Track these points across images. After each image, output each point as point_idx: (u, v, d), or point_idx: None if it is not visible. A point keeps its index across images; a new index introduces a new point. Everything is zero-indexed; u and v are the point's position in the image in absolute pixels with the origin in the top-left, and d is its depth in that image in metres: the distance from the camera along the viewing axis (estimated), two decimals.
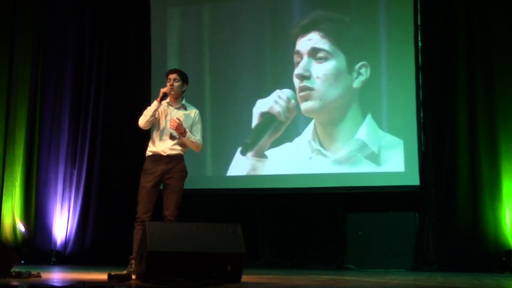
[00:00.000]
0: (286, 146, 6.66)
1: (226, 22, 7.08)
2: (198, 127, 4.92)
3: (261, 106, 6.78)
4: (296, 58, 6.70)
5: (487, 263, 5.84)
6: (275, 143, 6.70)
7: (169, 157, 4.79)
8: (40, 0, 7.70)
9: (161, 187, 4.88)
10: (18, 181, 7.36)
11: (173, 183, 4.77)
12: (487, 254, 5.87)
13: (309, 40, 6.66)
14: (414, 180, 6.24)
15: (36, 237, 7.24)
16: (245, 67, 6.90)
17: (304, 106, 6.61)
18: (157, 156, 4.80)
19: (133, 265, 4.60)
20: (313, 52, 6.62)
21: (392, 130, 6.34)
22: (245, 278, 4.24)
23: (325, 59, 6.57)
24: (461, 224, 6.03)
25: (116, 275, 4.14)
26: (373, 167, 6.31)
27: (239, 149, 6.79)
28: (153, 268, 3.91)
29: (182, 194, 4.81)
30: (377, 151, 6.33)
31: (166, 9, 7.36)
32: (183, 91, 4.92)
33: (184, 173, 4.85)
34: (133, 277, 4.26)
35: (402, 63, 6.37)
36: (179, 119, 4.72)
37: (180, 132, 4.72)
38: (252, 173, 6.76)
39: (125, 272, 4.36)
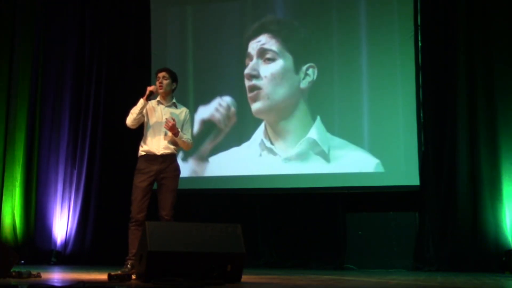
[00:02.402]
0: (235, 149, 6.84)
1: (226, 22, 7.10)
2: (188, 126, 4.93)
3: (202, 113, 6.95)
4: (247, 61, 6.85)
5: (487, 263, 5.84)
6: (224, 147, 6.86)
7: (163, 156, 4.78)
8: (40, 0, 7.70)
9: (155, 187, 4.88)
10: (18, 181, 7.37)
11: (168, 183, 4.75)
12: (487, 254, 5.87)
13: (258, 41, 6.83)
14: (414, 180, 6.25)
15: (36, 237, 7.25)
16: (232, 66, 7.01)
17: (254, 107, 6.78)
18: (151, 156, 4.78)
19: (128, 266, 4.59)
20: (262, 53, 6.79)
21: (342, 132, 6.47)
22: (245, 278, 4.24)
23: (272, 59, 6.73)
24: (461, 224, 6.03)
25: (116, 275, 4.15)
26: (325, 164, 6.45)
27: (180, 155, 6.83)
28: (153, 268, 3.91)
29: (177, 193, 4.80)
30: (327, 151, 6.46)
31: (166, 9, 7.37)
32: (173, 90, 4.92)
33: (178, 172, 4.85)
34: (133, 277, 4.26)
35: (402, 63, 6.37)
36: (174, 119, 4.72)
37: (173, 133, 4.72)
38: (193, 175, 6.88)
39: (119, 272, 4.35)
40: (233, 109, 6.87)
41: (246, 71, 6.82)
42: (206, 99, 7.02)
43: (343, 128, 6.52)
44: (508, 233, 5.85)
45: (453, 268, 5.93)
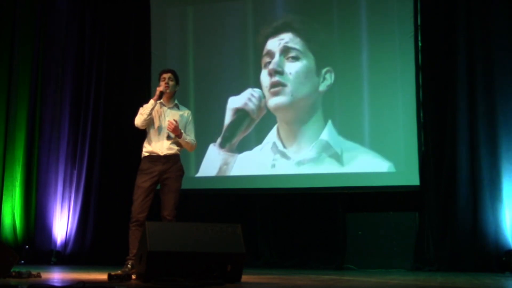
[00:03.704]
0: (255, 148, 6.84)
1: (227, 22, 7.11)
2: (191, 127, 4.95)
3: (235, 103, 6.93)
4: (265, 58, 6.83)
5: (487, 263, 5.84)
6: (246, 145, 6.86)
7: (166, 157, 4.79)
8: (40, 0, 7.70)
9: (158, 187, 4.88)
10: (18, 181, 7.37)
11: (171, 183, 4.77)
12: (487, 254, 5.87)
13: (281, 39, 6.81)
14: (414, 180, 6.24)
15: (36, 237, 7.24)
16: (232, 65, 7.03)
17: (274, 101, 6.76)
18: (154, 157, 4.80)
19: (128, 266, 4.59)
20: (285, 51, 6.77)
21: (351, 135, 6.46)
22: (245, 278, 4.24)
23: (296, 58, 6.73)
24: (461, 224, 6.03)
25: (116, 275, 4.15)
26: (323, 166, 6.46)
27: (217, 143, 6.90)
28: (153, 268, 3.91)
29: (179, 193, 4.81)
30: (340, 152, 6.46)
31: (166, 9, 7.38)
32: (175, 91, 4.94)
33: (181, 173, 4.86)
34: (133, 277, 4.26)
35: (402, 63, 6.37)
36: (176, 121, 4.73)
37: (176, 134, 4.73)
38: (225, 167, 6.87)
39: (119, 272, 4.36)
40: (263, 100, 6.82)
41: (271, 66, 6.77)
42: (208, 99, 7.03)
43: (343, 128, 6.51)
44: (508, 233, 5.85)
45: (453, 268, 5.93)
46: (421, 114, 6.35)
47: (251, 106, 6.87)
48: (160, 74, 4.93)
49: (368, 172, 6.37)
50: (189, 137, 4.88)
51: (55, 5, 7.73)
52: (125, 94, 7.27)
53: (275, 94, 6.74)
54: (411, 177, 6.25)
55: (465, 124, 6.13)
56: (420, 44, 6.42)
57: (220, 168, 6.89)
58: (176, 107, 4.93)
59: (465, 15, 6.25)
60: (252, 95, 6.88)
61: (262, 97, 6.83)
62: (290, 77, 6.71)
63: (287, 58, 6.75)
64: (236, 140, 6.88)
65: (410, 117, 6.30)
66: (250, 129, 6.86)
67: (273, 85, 6.76)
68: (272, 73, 6.77)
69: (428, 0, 6.46)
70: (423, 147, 6.33)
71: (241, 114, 6.90)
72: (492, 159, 5.99)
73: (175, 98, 4.95)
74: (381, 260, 6.33)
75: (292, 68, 6.73)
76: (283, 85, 6.72)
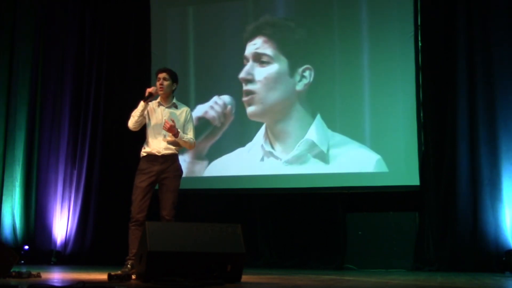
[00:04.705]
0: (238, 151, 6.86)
1: (228, 21, 7.11)
2: (190, 126, 4.92)
3: (198, 111, 6.97)
4: (244, 62, 6.88)
5: (487, 263, 5.84)
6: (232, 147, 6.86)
7: (164, 157, 4.79)
8: (40, 0, 7.71)
9: (156, 187, 4.88)
10: (18, 181, 7.38)
11: (169, 183, 4.76)
12: (487, 254, 5.87)
13: (254, 44, 6.86)
14: (414, 180, 6.24)
15: (36, 237, 7.25)
16: (232, 65, 7.01)
17: (248, 110, 6.81)
18: (152, 156, 4.79)
19: (128, 266, 4.59)
20: (256, 57, 6.81)
21: (342, 132, 6.48)
22: (245, 278, 4.24)
23: (267, 63, 6.74)
24: (461, 224, 6.03)
25: (116, 275, 4.15)
26: (323, 166, 6.44)
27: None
28: (153, 268, 3.91)
29: (178, 193, 4.81)
30: (326, 151, 6.45)
31: (166, 9, 7.38)
32: (173, 90, 4.92)
33: (179, 172, 4.86)
34: (133, 277, 4.26)
35: (402, 63, 6.37)
36: (173, 120, 4.72)
37: (173, 134, 4.72)
38: (191, 175, 6.86)
39: (119, 272, 4.36)
40: (229, 107, 6.88)
41: (241, 75, 6.83)
42: (207, 99, 7.03)
43: (344, 128, 6.52)
44: (508, 233, 5.85)
45: (453, 268, 5.93)
46: (421, 114, 6.35)
47: (212, 113, 6.91)
48: (156, 74, 4.93)
49: (368, 172, 6.37)
50: (188, 135, 4.86)
51: (55, 5, 7.73)
52: (125, 94, 7.26)
53: (248, 103, 6.79)
54: (411, 177, 6.25)
55: (465, 124, 6.13)
56: (420, 44, 6.42)
57: (185, 175, 6.82)
58: (174, 106, 4.91)
59: (465, 15, 6.25)
60: (215, 102, 6.93)
61: (229, 104, 6.87)
62: (260, 84, 6.74)
63: (258, 64, 6.79)
64: (200, 147, 6.84)
65: (410, 117, 6.30)
66: (217, 137, 6.88)
67: (245, 94, 6.82)
68: (243, 82, 6.82)
69: (428, 0, 6.46)
70: (423, 147, 6.33)
71: (202, 122, 6.92)
72: (492, 159, 5.99)
73: (173, 96, 4.94)
74: (381, 260, 6.33)
75: (261, 74, 6.76)
76: (253, 93, 6.77)
